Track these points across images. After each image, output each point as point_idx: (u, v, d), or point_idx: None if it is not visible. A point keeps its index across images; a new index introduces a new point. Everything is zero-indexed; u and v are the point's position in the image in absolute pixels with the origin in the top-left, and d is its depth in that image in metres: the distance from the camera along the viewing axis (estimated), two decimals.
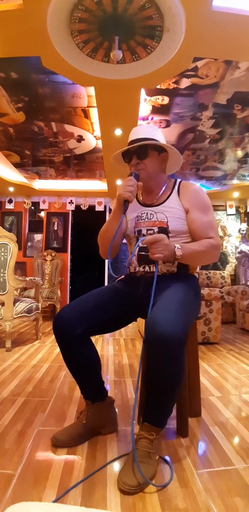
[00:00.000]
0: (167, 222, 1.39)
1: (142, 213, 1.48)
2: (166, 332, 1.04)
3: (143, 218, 1.46)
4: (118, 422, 1.48)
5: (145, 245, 1.39)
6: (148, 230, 1.42)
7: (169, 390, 1.14)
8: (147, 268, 1.40)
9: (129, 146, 1.42)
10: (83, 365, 1.34)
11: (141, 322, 3.61)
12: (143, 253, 1.39)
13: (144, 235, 1.43)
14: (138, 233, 1.46)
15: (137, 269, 1.43)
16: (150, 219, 1.44)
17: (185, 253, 1.25)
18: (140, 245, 1.39)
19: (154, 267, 1.37)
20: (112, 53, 2.10)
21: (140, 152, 1.41)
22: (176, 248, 1.23)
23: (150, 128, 1.48)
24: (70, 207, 6.00)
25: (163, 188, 1.49)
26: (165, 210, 1.42)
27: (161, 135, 1.47)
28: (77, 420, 1.40)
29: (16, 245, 3.25)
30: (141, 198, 1.56)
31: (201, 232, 1.37)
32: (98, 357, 1.39)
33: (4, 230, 3.32)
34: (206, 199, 1.44)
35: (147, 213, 1.46)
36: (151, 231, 1.41)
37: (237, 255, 5.85)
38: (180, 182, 1.50)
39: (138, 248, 1.42)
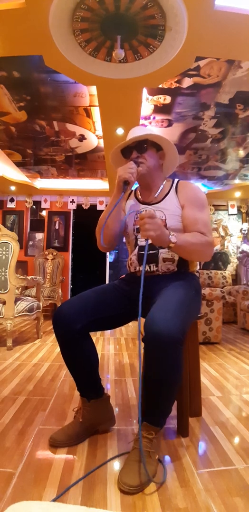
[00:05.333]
0: (165, 220, 1.41)
1: (140, 211, 1.49)
2: (163, 331, 1.04)
3: None
4: (118, 421, 1.48)
5: (144, 244, 1.41)
6: None
7: (167, 390, 1.14)
8: (147, 268, 1.40)
9: (128, 141, 1.45)
10: (81, 361, 1.35)
11: (141, 321, 3.61)
12: (143, 252, 1.39)
13: None
14: (137, 230, 1.46)
15: (137, 268, 1.44)
16: None
17: (179, 242, 1.23)
18: (138, 216, 1.36)
19: (155, 266, 1.38)
20: (114, 52, 2.10)
21: (140, 146, 1.45)
22: (170, 235, 1.21)
23: (147, 127, 1.51)
24: (72, 206, 6.00)
25: (161, 187, 1.51)
26: (163, 208, 1.44)
27: (158, 133, 1.51)
28: (74, 419, 1.40)
29: (17, 244, 3.25)
30: (140, 197, 1.57)
31: (193, 227, 1.35)
32: (97, 353, 1.40)
33: (5, 229, 3.32)
34: (202, 197, 1.46)
35: (145, 210, 1.47)
36: None
37: (239, 255, 5.84)
38: (178, 181, 1.52)
39: (138, 247, 1.44)
